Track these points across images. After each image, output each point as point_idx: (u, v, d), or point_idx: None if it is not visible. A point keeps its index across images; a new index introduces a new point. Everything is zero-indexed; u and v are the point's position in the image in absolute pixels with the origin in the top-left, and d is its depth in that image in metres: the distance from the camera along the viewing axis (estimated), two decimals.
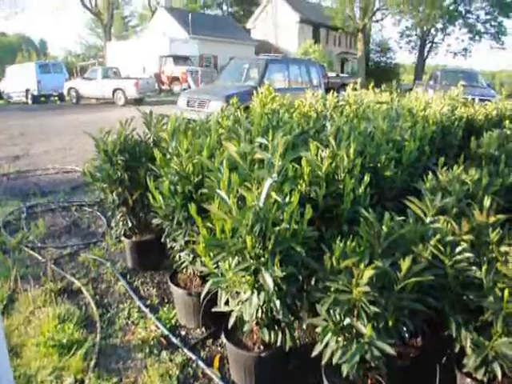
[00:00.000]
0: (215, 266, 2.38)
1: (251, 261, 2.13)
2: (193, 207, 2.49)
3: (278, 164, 2.10)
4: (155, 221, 3.24)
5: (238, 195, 2.22)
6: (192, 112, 8.94)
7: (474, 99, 7.99)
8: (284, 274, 2.09)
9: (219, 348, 2.91)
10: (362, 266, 1.95)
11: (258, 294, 2.17)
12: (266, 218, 2.08)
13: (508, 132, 4.97)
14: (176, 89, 22.98)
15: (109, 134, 3.79)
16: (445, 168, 2.98)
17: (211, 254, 2.38)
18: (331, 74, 22.65)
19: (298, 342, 2.92)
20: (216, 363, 2.73)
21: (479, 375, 2.20)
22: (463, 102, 6.48)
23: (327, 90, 8.81)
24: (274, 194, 2.05)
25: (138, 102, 18.42)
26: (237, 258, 2.21)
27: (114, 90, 18.98)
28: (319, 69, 12.47)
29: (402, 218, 2.23)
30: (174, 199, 2.85)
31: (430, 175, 2.80)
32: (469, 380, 2.25)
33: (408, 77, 35.72)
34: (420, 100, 5.48)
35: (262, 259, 2.13)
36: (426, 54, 34.04)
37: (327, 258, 2.08)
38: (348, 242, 2.08)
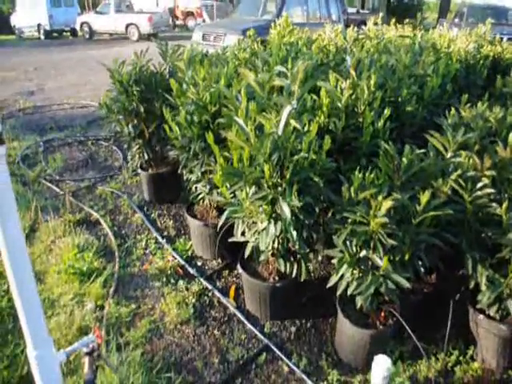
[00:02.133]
0: (232, 195, 2.39)
1: (269, 190, 2.12)
2: (210, 136, 2.46)
3: (297, 91, 2.02)
4: (172, 153, 3.24)
5: (256, 124, 2.17)
6: (208, 46, 8.66)
7: (502, 38, 7.59)
8: (301, 204, 2.09)
9: (235, 279, 2.98)
10: (380, 198, 1.93)
11: (275, 223, 2.18)
12: (285, 147, 2.05)
13: None
14: (191, 24, 22.21)
15: (124, 65, 3.70)
16: (468, 105, 2.88)
17: (228, 184, 2.38)
18: (351, 10, 21.59)
19: (313, 274, 2.97)
20: (232, 293, 2.81)
21: (492, 312, 2.22)
22: (490, 40, 6.17)
23: (347, 27, 8.42)
24: (293, 122, 1.99)
25: (151, 37, 17.92)
26: (254, 187, 2.20)
27: (128, 25, 18.39)
28: (339, 3, 11.85)
29: (423, 151, 2.17)
30: (190, 129, 2.81)
31: (453, 111, 2.70)
32: (481, 316, 2.27)
33: (432, 15, 33.86)
34: (444, 36, 5.21)
35: (280, 189, 2.12)
36: None
37: (345, 189, 2.05)
38: (367, 174, 2.04)
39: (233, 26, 9.56)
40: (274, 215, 2.18)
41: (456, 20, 15.10)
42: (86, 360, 1.75)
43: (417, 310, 2.50)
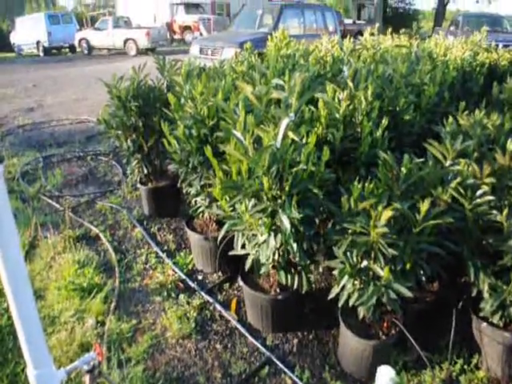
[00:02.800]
0: (231, 208, 2.39)
1: (268, 202, 2.12)
2: (208, 150, 2.47)
3: (295, 103, 2.03)
4: (171, 167, 3.24)
5: (254, 136, 2.18)
6: (205, 59, 8.74)
7: (497, 45, 7.64)
8: (301, 215, 2.08)
9: (236, 292, 2.97)
10: (380, 207, 1.92)
11: (275, 235, 2.18)
12: (283, 159, 2.05)
13: None
14: (188, 38, 22.40)
15: (122, 80, 3.73)
16: (466, 113, 2.88)
17: (227, 197, 2.38)
18: (347, 21, 21.81)
19: (314, 285, 2.96)
20: (233, 306, 2.79)
21: (495, 319, 2.20)
22: (486, 47, 6.21)
23: (343, 37, 8.51)
24: (291, 134, 1.99)
25: (149, 51, 18.07)
26: (253, 199, 2.19)
27: (126, 40, 18.58)
28: (335, 15, 11.97)
29: (422, 160, 2.17)
30: (189, 143, 2.82)
31: (451, 119, 2.71)
32: (484, 324, 2.25)
33: (428, 24, 34.20)
34: (440, 45, 5.26)
35: (279, 201, 2.11)
36: None
37: (345, 199, 2.05)
38: (366, 184, 2.04)
39: (230, 39, 9.64)
40: (273, 227, 2.18)
41: (452, 28, 15.23)
42: (87, 378, 1.73)
43: (420, 318, 2.47)
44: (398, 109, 3.03)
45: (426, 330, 2.47)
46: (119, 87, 3.65)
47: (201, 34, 20.84)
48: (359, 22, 23.82)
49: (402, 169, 2.08)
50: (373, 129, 2.63)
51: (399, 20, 29.75)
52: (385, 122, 2.65)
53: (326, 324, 2.63)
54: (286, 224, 2.03)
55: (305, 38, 8.67)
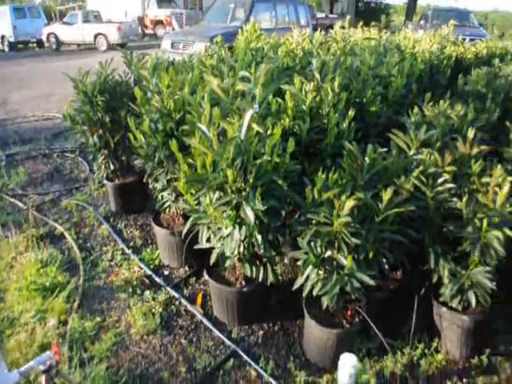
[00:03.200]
0: (197, 202, 2.35)
1: (232, 195, 2.09)
2: (173, 143, 2.42)
3: (259, 95, 2.00)
4: (137, 162, 3.18)
5: (219, 129, 2.14)
6: (177, 54, 8.63)
7: (464, 39, 7.78)
8: (265, 207, 2.06)
9: (202, 286, 2.93)
10: (343, 197, 1.92)
11: (240, 228, 2.15)
12: (248, 151, 2.02)
13: (497, 70, 4.88)
14: (160, 33, 22.08)
15: (88, 75, 3.64)
16: (431, 104, 2.91)
17: (193, 191, 2.33)
18: (320, 15, 21.89)
19: (280, 277, 2.95)
20: (199, 300, 2.76)
21: (454, 303, 2.25)
22: (453, 41, 6.32)
23: (315, 31, 8.53)
24: (255, 126, 1.96)
25: (120, 46, 17.69)
26: (218, 192, 2.16)
27: (96, 35, 18.15)
28: (307, 9, 11.99)
29: (385, 150, 2.18)
30: (155, 137, 2.76)
31: (416, 109, 2.72)
32: (444, 309, 2.30)
33: (399, 18, 34.66)
34: (408, 38, 5.31)
35: (244, 193, 2.08)
36: None
37: (309, 190, 2.04)
38: (330, 175, 2.03)
39: (201, 34, 9.54)
40: (238, 220, 2.15)
41: (421, 22, 15.48)
42: (43, 379, 1.68)
43: (383, 306, 2.50)
44: (365, 100, 3.04)
45: (390, 317, 2.50)
46: (85, 82, 3.56)
47: (173, 29, 20.60)
48: (332, 15, 23.92)
49: (366, 159, 2.08)
50: (339, 120, 2.63)
51: (371, 14, 30.03)
52: (351, 113, 2.65)
53: (292, 315, 2.63)
54: (250, 216, 2.01)
55: (277, 31, 8.67)
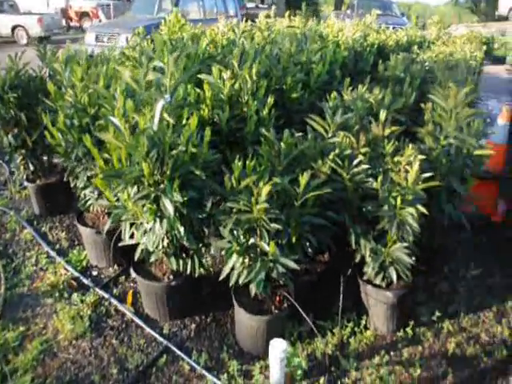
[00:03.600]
0: (117, 198, 2.28)
1: (150, 188, 2.04)
2: (88, 139, 2.32)
3: (169, 84, 1.96)
4: (56, 160, 3.04)
5: (134, 122, 2.08)
6: (102, 47, 8.29)
7: (388, 27, 8.08)
8: (185, 198, 2.03)
9: (132, 284, 2.87)
10: (261, 184, 1.93)
11: (161, 222, 2.11)
12: (162, 143, 1.98)
13: (414, 56, 5.11)
14: (86, 25, 21.14)
15: None
16: (350, 88, 2.99)
17: (112, 186, 2.26)
18: (250, 5, 21.91)
19: (211, 268, 2.94)
20: (129, 298, 2.69)
21: (378, 281, 2.35)
22: (376, 29, 6.53)
23: (246, 21, 8.53)
24: (166, 116, 1.92)
25: (43, 40, 16.78)
26: (136, 186, 2.11)
27: (14, 27, 17.06)
28: None
29: (300, 134, 2.21)
30: (70, 134, 2.65)
31: (333, 94, 2.79)
32: (369, 286, 2.39)
33: (329, 8, 35.37)
34: (331, 26, 5.43)
35: (162, 186, 2.04)
36: None
37: (227, 178, 2.03)
38: (247, 162, 2.04)
39: (126, 25, 9.23)
40: (158, 213, 2.11)
41: (348, 11, 15.92)
42: None
43: (313, 289, 2.57)
44: (285, 87, 3.07)
45: (320, 299, 2.57)
46: None
47: (100, 21, 19.80)
48: (262, 5, 23.97)
49: (282, 144, 2.11)
50: (259, 108, 2.64)
51: (301, 4, 30.43)
52: (270, 100, 2.66)
53: (224, 305, 2.62)
54: (170, 209, 1.98)
55: (205, 22, 8.57)
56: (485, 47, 8.21)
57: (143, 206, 2.10)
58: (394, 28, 8.51)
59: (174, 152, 2.00)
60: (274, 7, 6.94)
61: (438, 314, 2.62)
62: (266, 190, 1.86)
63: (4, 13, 17.64)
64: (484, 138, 3.17)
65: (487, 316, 2.71)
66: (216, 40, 4.54)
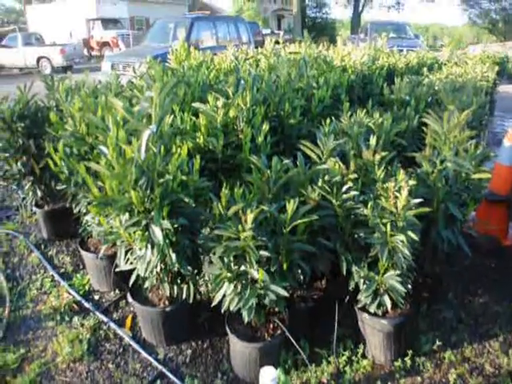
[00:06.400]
0: (110, 225, 2.32)
1: (141, 215, 2.08)
2: (82, 167, 2.39)
3: (155, 114, 2.01)
4: (59, 187, 3.13)
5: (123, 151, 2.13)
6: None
7: (401, 50, 8.13)
8: (176, 226, 2.07)
9: (132, 308, 2.89)
10: (249, 211, 1.95)
11: (152, 248, 2.14)
12: (151, 171, 2.02)
13: (420, 78, 5.11)
14: (107, 54, 21.90)
15: (6, 100, 3.56)
16: (349, 113, 3.00)
17: (107, 213, 2.32)
18: (266, 31, 22.40)
19: (209, 294, 2.94)
20: (128, 323, 2.72)
21: (373, 308, 2.30)
22: (387, 52, 6.57)
23: (261, 47, 8.70)
24: (151, 146, 1.98)
25: (66, 69, 17.39)
26: (128, 213, 2.15)
27: (39, 59, 17.79)
28: (248, 26, 12.20)
29: (287, 161, 2.23)
30: (69, 161, 2.73)
31: (328, 120, 2.79)
32: (365, 314, 2.35)
33: (346, 32, 35.96)
34: (337, 50, 5.48)
35: (152, 213, 2.08)
36: (360, 8, 34.23)
37: (215, 206, 2.06)
38: (235, 189, 2.06)
39: (142, 54, 9.49)
40: (150, 240, 2.14)
41: (361, 35, 16.09)
42: None
43: (309, 316, 2.54)
44: (283, 113, 3.10)
45: (316, 326, 2.54)
46: (2, 107, 3.48)
47: (120, 50, 20.46)
48: (278, 31, 24.47)
49: (269, 171, 2.13)
50: (255, 134, 2.68)
51: (318, 29, 30.98)
52: (265, 127, 2.70)
53: (221, 331, 2.61)
54: (159, 235, 2.01)
55: (218, 49, 8.77)
56: (497, 67, 8.14)
57: (134, 232, 2.14)
58: (407, 50, 8.57)
59: (162, 180, 2.04)
60: (282, 33, 7.10)
61: (439, 343, 2.53)
62: (250, 217, 1.88)
63: (30, 45, 18.38)
64: (490, 160, 3.14)
65: (493, 346, 2.60)
66: (221, 67, 4.65)
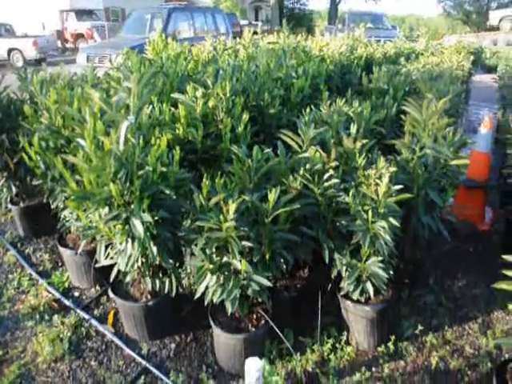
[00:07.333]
0: (90, 220, 2.27)
1: (120, 209, 2.04)
2: (59, 161, 2.33)
3: (134, 105, 1.97)
4: (35, 182, 3.05)
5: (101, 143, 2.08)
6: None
7: (379, 40, 8.16)
8: (156, 218, 2.03)
9: (114, 304, 2.84)
10: (230, 201, 1.93)
11: (133, 242, 2.10)
12: (130, 163, 1.98)
13: (398, 67, 5.14)
14: (82, 46, 21.45)
15: None
16: (328, 102, 2.99)
17: (86, 207, 2.26)
18: (243, 22, 22.24)
19: (192, 286, 2.92)
20: (110, 319, 2.68)
21: (356, 295, 2.31)
22: (365, 42, 6.59)
23: (239, 37, 8.62)
24: (130, 137, 1.93)
25: (39, 62, 16.95)
26: (107, 207, 2.10)
27: (10, 51, 17.28)
28: (226, 16, 12.10)
29: (268, 150, 2.21)
30: (45, 155, 2.66)
31: (308, 109, 2.79)
32: (348, 302, 2.37)
33: (323, 23, 35.98)
34: (316, 41, 5.47)
35: (132, 206, 2.04)
36: None
37: (196, 197, 2.03)
38: (216, 180, 2.04)
39: (118, 46, 9.32)
40: (130, 234, 2.10)
41: (339, 26, 16.11)
42: None
43: (293, 305, 2.54)
44: (262, 103, 3.08)
45: (301, 315, 2.54)
46: None
47: (95, 42, 20.06)
48: (255, 22, 24.31)
49: (252, 161, 2.11)
50: (235, 124, 2.65)
51: (296, 20, 30.92)
52: (245, 117, 2.68)
53: (205, 324, 2.58)
54: (139, 229, 1.97)
55: (195, 40, 8.66)
56: (472, 57, 8.26)
57: (114, 226, 2.10)
58: (385, 41, 8.62)
59: (142, 172, 2.00)
60: (260, 24, 7.05)
61: (421, 327, 2.57)
62: (232, 207, 1.86)
63: (0, 36, 17.84)
64: (466, 147, 3.18)
65: (472, 328, 2.67)
66: (199, 58, 4.59)
